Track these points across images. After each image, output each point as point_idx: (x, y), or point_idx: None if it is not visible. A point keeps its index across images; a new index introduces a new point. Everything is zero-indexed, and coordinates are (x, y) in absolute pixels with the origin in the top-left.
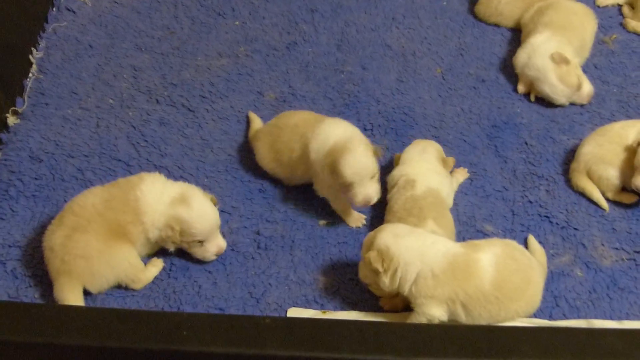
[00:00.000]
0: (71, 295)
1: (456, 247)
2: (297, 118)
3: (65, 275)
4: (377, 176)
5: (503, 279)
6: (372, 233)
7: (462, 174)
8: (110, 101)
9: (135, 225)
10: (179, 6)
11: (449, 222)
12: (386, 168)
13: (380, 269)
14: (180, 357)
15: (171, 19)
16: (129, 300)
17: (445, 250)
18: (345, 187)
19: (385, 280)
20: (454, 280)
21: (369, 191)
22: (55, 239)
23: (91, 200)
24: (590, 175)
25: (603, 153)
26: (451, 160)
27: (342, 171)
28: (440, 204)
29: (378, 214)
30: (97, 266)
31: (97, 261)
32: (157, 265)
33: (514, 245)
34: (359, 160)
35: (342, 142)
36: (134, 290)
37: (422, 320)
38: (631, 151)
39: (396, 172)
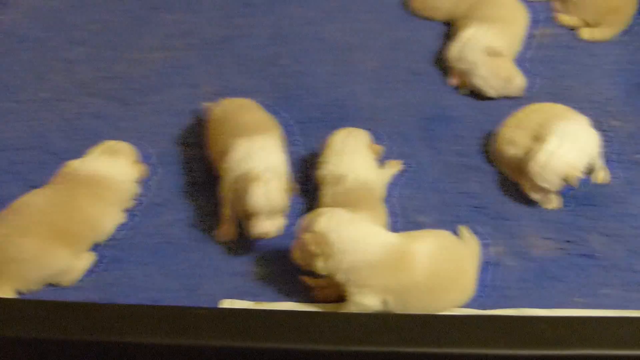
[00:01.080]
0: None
1: (392, 238)
2: (242, 120)
3: None
4: (283, 213)
5: (437, 269)
6: (311, 214)
7: (394, 166)
8: (44, 95)
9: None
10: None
11: (381, 214)
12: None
13: (316, 252)
14: (114, 349)
15: (106, 12)
16: (61, 293)
17: (382, 240)
18: (247, 216)
19: (320, 264)
20: (388, 270)
21: (269, 227)
22: None
23: (38, 200)
24: (498, 154)
25: (511, 135)
26: (379, 149)
27: (251, 199)
28: (371, 196)
29: (311, 207)
30: (29, 271)
31: (30, 266)
32: (87, 259)
33: (447, 236)
34: (271, 194)
35: (259, 170)
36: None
37: (355, 309)
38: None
39: (325, 169)
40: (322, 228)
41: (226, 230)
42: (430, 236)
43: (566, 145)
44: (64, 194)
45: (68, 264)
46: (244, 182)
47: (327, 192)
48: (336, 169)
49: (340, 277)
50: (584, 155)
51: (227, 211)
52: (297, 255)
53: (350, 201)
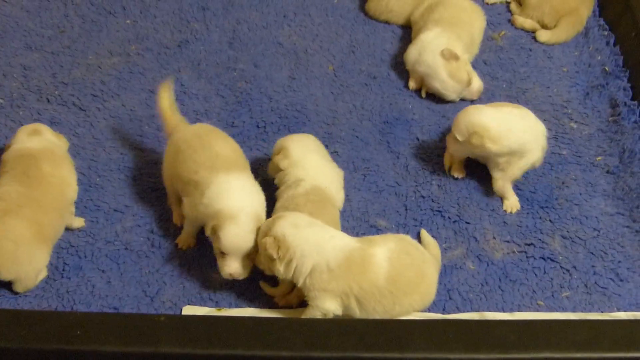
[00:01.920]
0: None
1: (352, 242)
2: (220, 152)
3: None
4: (253, 254)
5: (397, 273)
6: (270, 219)
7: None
8: (0, 101)
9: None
10: (69, 4)
11: (331, 218)
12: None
13: (275, 256)
14: (74, 357)
15: (61, 17)
16: (22, 301)
17: (342, 244)
18: (219, 254)
19: (280, 268)
20: (349, 274)
21: (240, 268)
22: None
23: (15, 188)
24: (447, 138)
25: None
26: None
27: (223, 239)
28: (321, 200)
29: (271, 211)
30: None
31: (22, 249)
32: (43, 273)
33: (407, 240)
34: (243, 236)
35: (234, 210)
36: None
37: (317, 314)
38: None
39: (290, 175)
40: (282, 232)
41: (185, 240)
42: (390, 240)
43: (497, 115)
44: (28, 174)
45: (43, 264)
46: (219, 221)
47: (280, 196)
48: (299, 175)
49: (301, 281)
50: (513, 130)
51: (189, 228)
52: (258, 260)
53: (295, 205)
